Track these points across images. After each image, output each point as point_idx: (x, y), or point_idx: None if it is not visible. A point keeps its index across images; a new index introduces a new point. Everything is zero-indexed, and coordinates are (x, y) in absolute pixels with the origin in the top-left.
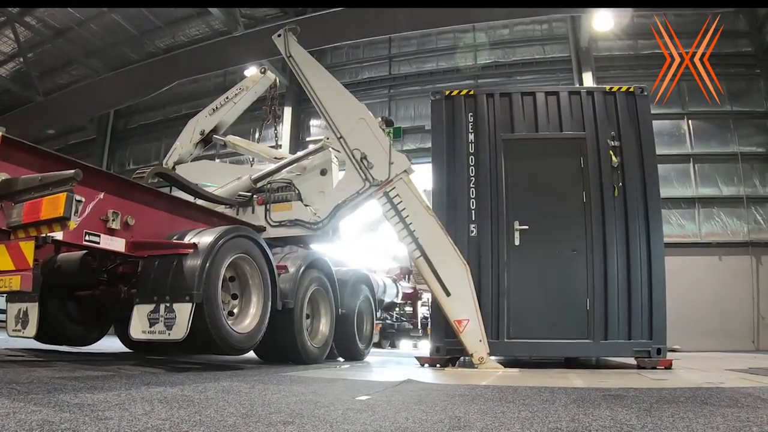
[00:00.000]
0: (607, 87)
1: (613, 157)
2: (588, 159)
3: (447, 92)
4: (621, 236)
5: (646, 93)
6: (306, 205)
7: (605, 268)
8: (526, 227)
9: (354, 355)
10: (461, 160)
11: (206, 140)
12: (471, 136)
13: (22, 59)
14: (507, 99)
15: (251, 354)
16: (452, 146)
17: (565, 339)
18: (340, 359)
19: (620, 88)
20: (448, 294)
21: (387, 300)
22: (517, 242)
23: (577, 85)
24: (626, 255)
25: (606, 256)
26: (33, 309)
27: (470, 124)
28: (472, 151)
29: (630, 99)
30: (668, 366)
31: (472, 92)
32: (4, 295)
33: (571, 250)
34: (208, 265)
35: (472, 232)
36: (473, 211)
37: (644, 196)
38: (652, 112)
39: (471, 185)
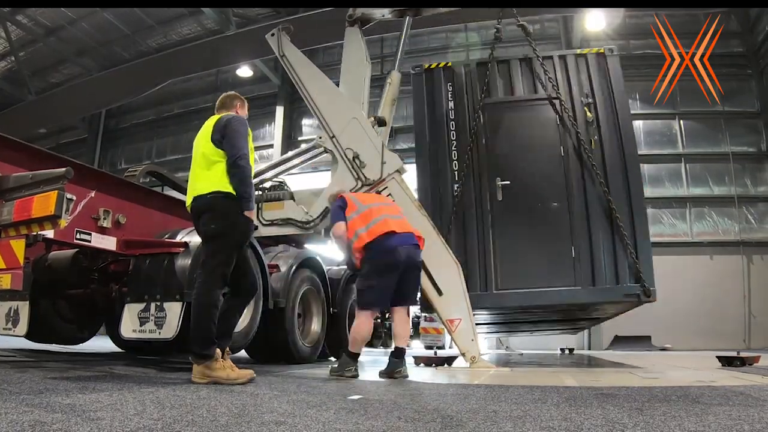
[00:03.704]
0: (578, 50)
1: (588, 113)
2: (564, 116)
3: (426, 66)
4: (601, 185)
5: (616, 53)
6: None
7: (587, 216)
8: (508, 182)
9: None
10: (441, 126)
11: None
12: (450, 104)
13: (13, 58)
14: (483, 68)
15: (243, 353)
16: (433, 115)
17: (553, 287)
18: (332, 359)
19: (590, 50)
20: (440, 293)
21: None
22: (500, 197)
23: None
24: (608, 202)
25: (588, 205)
26: (24, 307)
27: (449, 93)
28: (452, 117)
29: (601, 59)
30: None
31: (449, 64)
32: None
33: (553, 203)
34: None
35: (456, 191)
36: (456, 172)
37: (620, 147)
38: (644, 111)
39: (453, 148)
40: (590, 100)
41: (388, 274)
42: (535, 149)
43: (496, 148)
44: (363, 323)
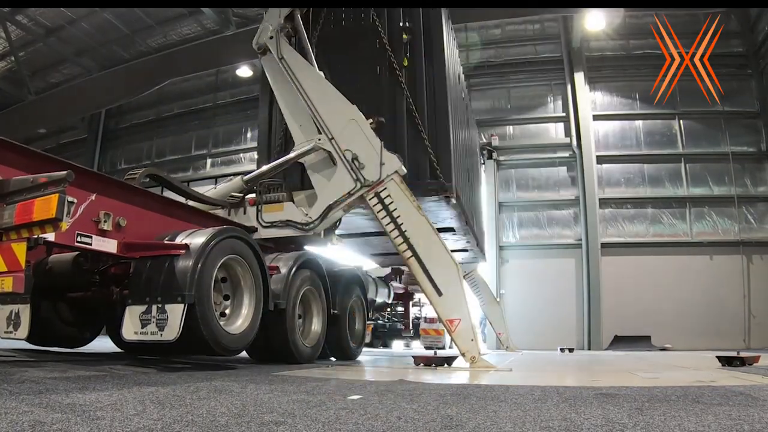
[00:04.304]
0: None
1: (404, 35)
2: (382, 39)
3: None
4: (407, 98)
5: None
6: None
7: (395, 122)
8: None
9: (346, 355)
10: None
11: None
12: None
13: (13, 58)
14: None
15: (243, 354)
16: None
17: None
18: (332, 359)
19: None
20: (439, 294)
21: (379, 300)
22: None
23: None
24: (412, 111)
25: (396, 114)
26: (25, 310)
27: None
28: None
29: None
30: None
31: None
32: None
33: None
34: (199, 266)
35: None
36: None
37: (431, 63)
38: (644, 111)
39: None
40: (408, 25)
41: None
42: (356, 69)
43: (326, 74)
44: None
